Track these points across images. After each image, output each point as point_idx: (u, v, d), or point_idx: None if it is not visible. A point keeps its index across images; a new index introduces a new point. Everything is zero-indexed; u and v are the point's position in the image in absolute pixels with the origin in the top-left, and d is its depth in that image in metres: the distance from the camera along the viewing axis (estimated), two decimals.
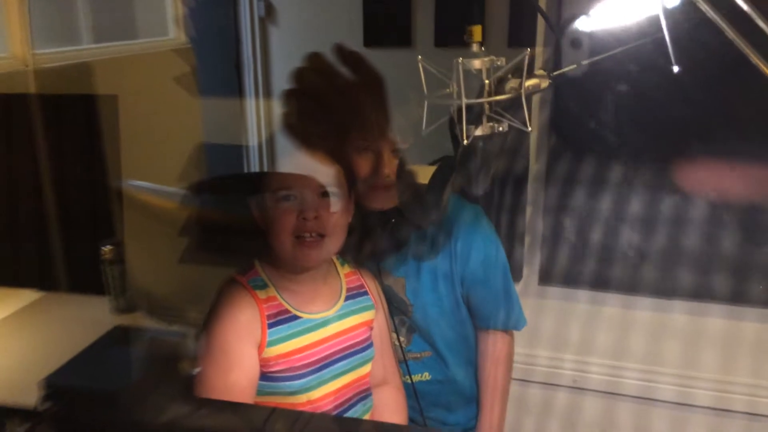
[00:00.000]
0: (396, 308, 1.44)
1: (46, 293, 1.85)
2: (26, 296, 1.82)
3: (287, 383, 1.20)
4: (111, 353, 1.58)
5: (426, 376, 1.49)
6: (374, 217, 1.34)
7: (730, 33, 0.69)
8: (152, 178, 1.83)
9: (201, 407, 1.06)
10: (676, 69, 0.77)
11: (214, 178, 1.78)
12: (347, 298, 1.32)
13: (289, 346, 1.21)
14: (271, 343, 1.19)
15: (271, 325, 1.20)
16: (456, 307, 1.46)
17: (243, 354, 1.18)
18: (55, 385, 1.35)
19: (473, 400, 1.54)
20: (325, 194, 1.22)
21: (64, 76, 2.00)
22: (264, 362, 1.19)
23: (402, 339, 1.46)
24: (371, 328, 1.34)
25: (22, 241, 1.94)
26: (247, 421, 1.04)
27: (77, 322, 1.72)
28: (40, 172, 1.92)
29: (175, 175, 1.81)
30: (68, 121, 1.97)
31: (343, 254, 1.37)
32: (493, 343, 1.51)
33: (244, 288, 1.23)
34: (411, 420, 1.46)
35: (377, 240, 1.37)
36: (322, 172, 1.22)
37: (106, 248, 1.76)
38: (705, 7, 0.70)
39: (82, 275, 1.89)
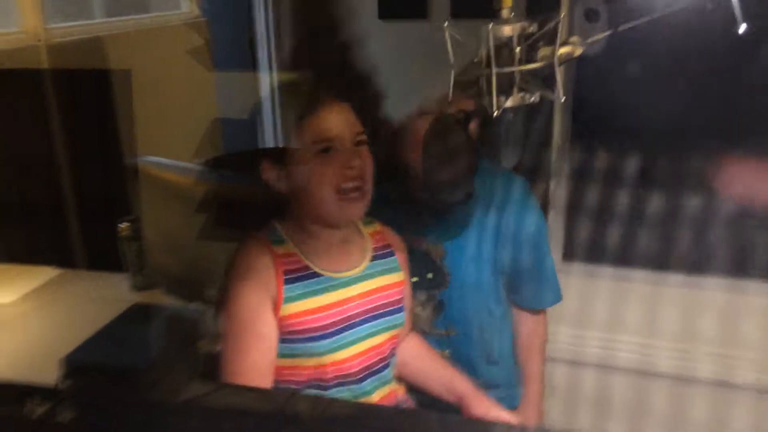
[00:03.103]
0: (430, 281, 1.41)
1: (64, 270, 1.84)
2: (44, 273, 1.81)
3: (308, 344, 1.16)
4: (130, 331, 1.57)
5: (446, 354, 1.46)
6: (418, 186, 1.31)
7: None
8: (167, 153, 1.80)
9: (220, 386, 1.05)
10: (742, 28, 0.71)
11: (230, 153, 1.76)
12: (374, 258, 1.27)
13: (308, 303, 1.16)
14: (289, 300, 1.15)
15: (288, 281, 1.16)
16: (494, 283, 1.44)
17: (261, 314, 1.14)
18: (76, 363, 1.34)
19: (487, 386, 1.52)
20: (359, 143, 1.17)
21: (77, 50, 1.98)
22: (283, 321, 1.15)
23: (428, 313, 1.43)
24: (403, 291, 1.29)
25: (39, 218, 1.93)
26: (268, 401, 1.02)
27: (96, 300, 1.71)
28: (54, 148, 1.90)
29: (191, 151, 1.79)
30: (82, 96, 1.95)
31: (386, 222, 1.34)
32: (535, 322, 1.51)
33: (258, 241, 1.19)
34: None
35: (419, 208, 1.34)
36: (354, 121, 1.17)
37: (123, 225, 1.75)
38: None
39: (100, 252, 1.88)
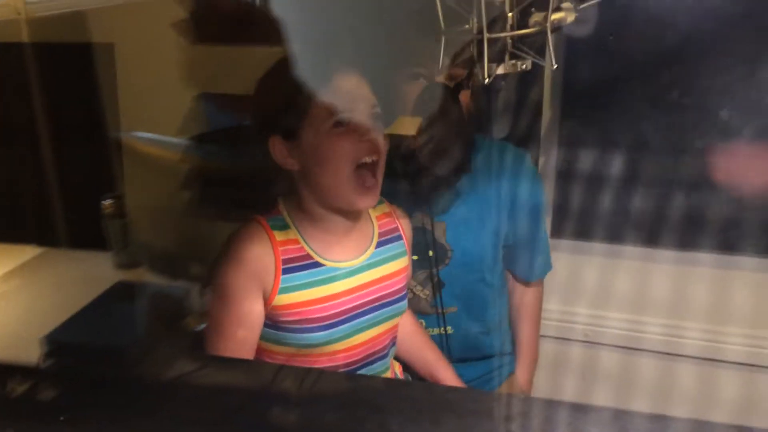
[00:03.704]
0: (431, 259, 1.39)
1: (47, 249, 1.81)
2: (26, 252, 1.79)
3: (303, 335, 1.12)
4: (114, 309, 1.55)
5: (449, 330, 1.46)
6: (413, 161, 1.29)
7: None
8: (151, 129, 1.77)
9: (205, 363, 1.03)
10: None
11: (221, 128, 1.73)
12: (379, 245, 1.21)
13: (304, 295, 1.11)
14: (285, 290, 1.10)
15: (286, 271, 1.11)
16: (494, 256, 1.44)
17: (248, 304, 1.10)
18: (58, 342, 1.32)
19: (490, 356, 1.52)
20: (373, 116, 1.11)
21: (58, 24, 1.93)
22: (277, 310, 1.11)
23: (427, 293, 1.42)
24: (407, 277, 1.25)
25: (21, 196, 1.90)
26: (254, 377, 1.00)
27: (79, 278, 1.69)
28: (36, 123, 1.87)
29: (175, 126, 1.75)
30: (64, 70, 1.90)
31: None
32: (533, 290, 1.53)
33: (260, 226, 1.13)
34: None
35: (418, 185, 1.32)
36: (368, 93, 1.12)
37: (107, 202, 1.71)
38: None
39: (83, 230, 1.85)
